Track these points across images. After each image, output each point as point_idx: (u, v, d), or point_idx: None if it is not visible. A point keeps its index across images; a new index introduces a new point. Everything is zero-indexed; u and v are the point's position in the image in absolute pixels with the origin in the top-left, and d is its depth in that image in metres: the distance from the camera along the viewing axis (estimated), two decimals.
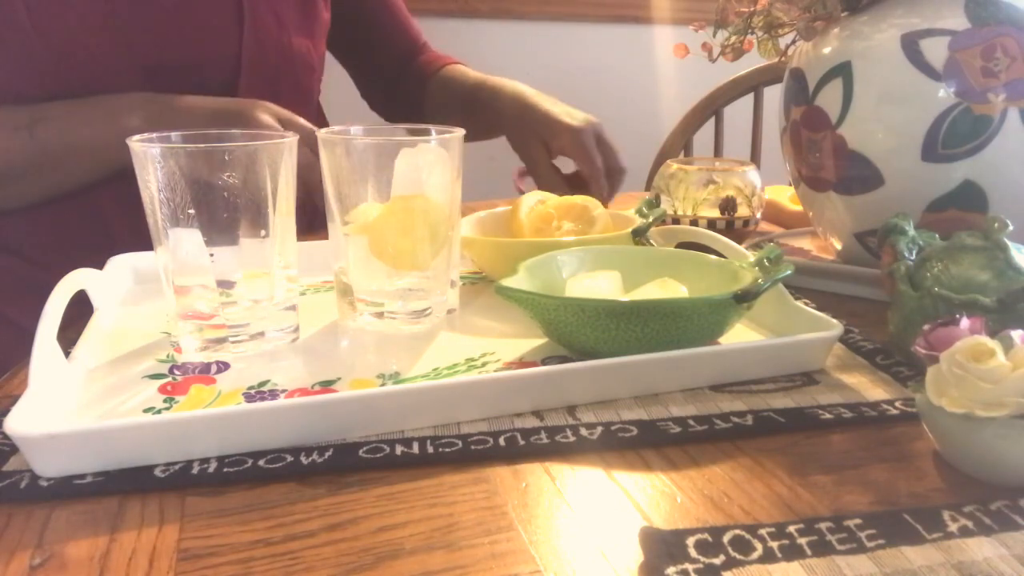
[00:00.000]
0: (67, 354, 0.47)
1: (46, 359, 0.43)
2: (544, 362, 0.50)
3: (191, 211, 0.48)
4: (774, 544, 0.32)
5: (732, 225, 0.78)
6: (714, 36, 0.76)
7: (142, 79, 0.77)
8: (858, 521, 0.33)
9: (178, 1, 0.79)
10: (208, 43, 0.81)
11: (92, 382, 0.47)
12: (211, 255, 0.49)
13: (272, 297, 0.52)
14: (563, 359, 0.50)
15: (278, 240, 0.51)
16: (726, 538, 0.32)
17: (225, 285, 0.50)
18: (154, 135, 0.48)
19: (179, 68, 0.79)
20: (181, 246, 0.48)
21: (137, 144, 0.47)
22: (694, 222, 0.77)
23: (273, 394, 0.46)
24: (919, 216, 0.60)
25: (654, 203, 0.73)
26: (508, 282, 0.50)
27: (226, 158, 0.47)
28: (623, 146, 0.96)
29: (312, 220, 0.78)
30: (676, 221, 0.79)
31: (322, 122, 1.02)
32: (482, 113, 1.01)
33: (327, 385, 0.47)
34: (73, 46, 0.75)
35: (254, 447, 0.40)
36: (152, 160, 0.47)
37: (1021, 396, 0.35)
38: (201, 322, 0.50)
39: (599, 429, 0.42)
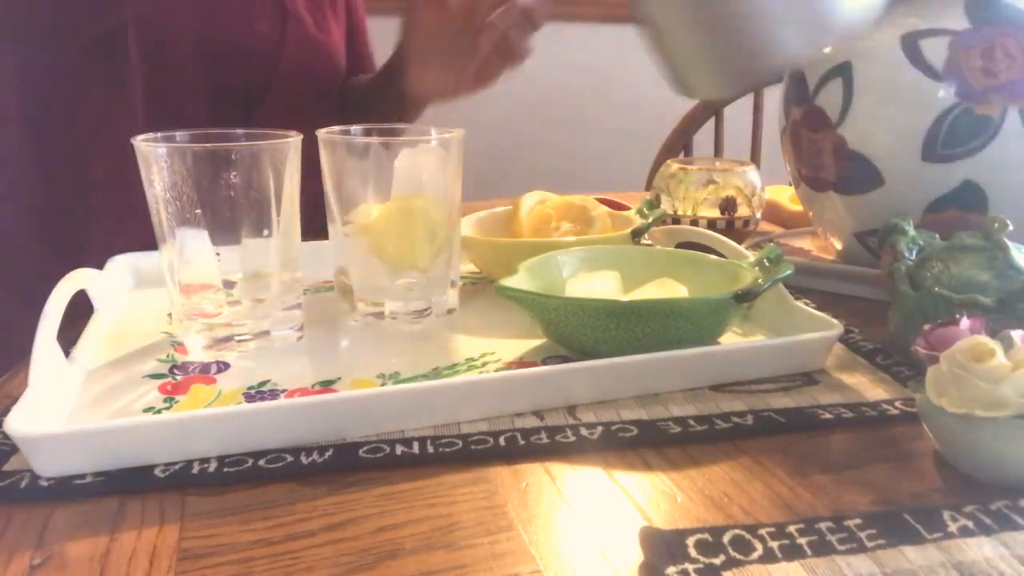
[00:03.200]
0: (67, 354, 0.47)
1: (46, 359, 0.43)
2: (544, 362, 0.50)
3: (197, 211, 0.48)
4: (774, 544, 0.32)
5: (732, 225, 0.78)
6: None
7: (192, 51, 0.78)
8: (858, 521, 0.33)
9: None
10: (249, 32, 0.82)
11: (92, 382, 0.47)
12: (217, 254, 0.49)
13: (277, 296, 0.52)
14: (563, 359, 0.50)
15: (282, 239, 0.51)
16: (726, 538, 0.32)
17: (230, 284, 0.50)
18: (158, 135, 0.48)
19: (217, 54, 0.80)
20: (188, 245, 0.48)
21: (142, 144, 0.47)
22: (694, 222, 0.77)
23: (273, 394, 0.46)
24: (919, 216, 0.60)
25: (654, 203, 0.73)
26: (508, 282, 0.50)
27: (232, 157, 0.47)
28: (624, 146, 0.95)
29: (311, 220, 0.78)
30: (676, 221, 0.79)
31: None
32: (385, 73, 0.93)
33: (327, 385, 0.47)
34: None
35: (254, 447, 0.40)
36: (157, 160, 0.47)
37: (1021, 396, 0.35)
38: (207, 321, 0.50)
39: (599, 429, 0.42)
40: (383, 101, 0.93)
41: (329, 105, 0.95)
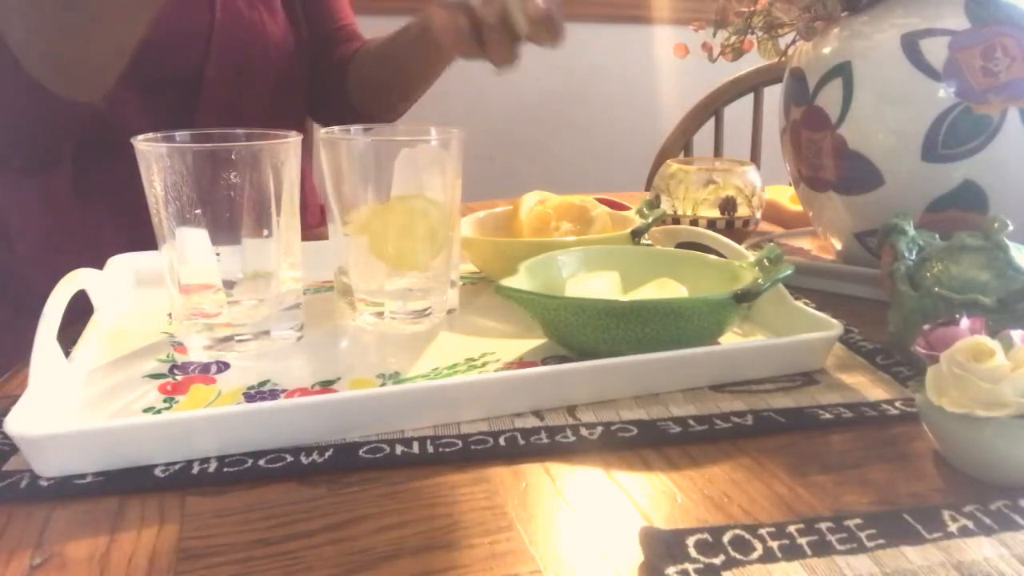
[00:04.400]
0: (67, 354, 0.47)
1: (46, 359, 0.43)
2: (544, 362, 0.50)
3: (197, 211, 0.48)
4: (774, 544, 0.32)
5: (732, 225, 0.78)
6: (714, 36, 0.76)
7: None
8: (858, 521, 0.33)
9: None
10: (177, 19, 0.78)
11: (92, 382, 0.47)
12: (217, 254, 0.49)
13: (277, 296, 0.52)
14: (563, 359, 0.50)
15: (282, 239, 0.51)
16: (726, 538, 0.32)
17: (230, 284, 0.50)
18: (159, 135, 0.48)
19: (144, 43, 0.77)
20: (188, 245, 0.48)
21: (142, 144, 0.47)
22: (694, 222, 0.77)
23: (273, 394, 0.46)
24: (919, 216, 0.60)
25: (654, 203, 0.73)
26: (508, 282, 0.50)
27: (232, 157, 0.47)
28: (623, 146, 0.95)
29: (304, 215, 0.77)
30: (676, 221, 0.79)
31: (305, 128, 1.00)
32: (397, 44, 0.90)
33: (327, 385, 0.47)
34: None
35: (254, 447, 0.40)
36: (157, 159, 0.47)
37: (1021, 396, 0.35)
38: (207, 321, 0.50)
39: (599, 429, 0.42)
40: (409, 53, 0.89)
41: (268, 94, 0.90)
